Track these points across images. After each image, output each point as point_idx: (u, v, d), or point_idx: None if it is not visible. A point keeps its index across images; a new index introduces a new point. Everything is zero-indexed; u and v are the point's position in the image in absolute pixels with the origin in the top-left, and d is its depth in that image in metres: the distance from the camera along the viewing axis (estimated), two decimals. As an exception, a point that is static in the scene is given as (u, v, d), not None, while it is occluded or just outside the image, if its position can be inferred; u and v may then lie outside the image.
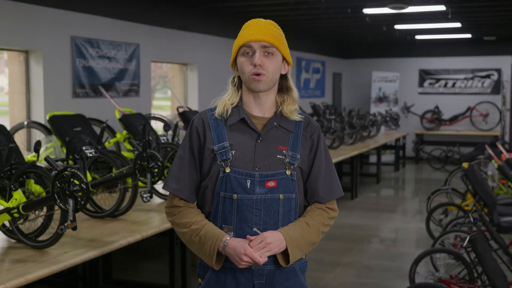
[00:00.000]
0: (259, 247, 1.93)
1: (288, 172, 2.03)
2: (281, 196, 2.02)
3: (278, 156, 2.03)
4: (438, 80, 14.44)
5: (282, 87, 2.13)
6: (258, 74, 2.01)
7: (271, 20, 2.11)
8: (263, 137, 2.04)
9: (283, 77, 2.13)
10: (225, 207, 2.01)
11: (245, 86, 2.08)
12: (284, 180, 2.03)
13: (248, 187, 1.99)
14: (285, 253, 2.00)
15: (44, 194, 3.28)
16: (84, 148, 3.64)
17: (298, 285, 2.09)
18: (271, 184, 2.00)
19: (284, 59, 2.09)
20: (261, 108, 2.09)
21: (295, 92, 2.12)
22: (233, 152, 2.02)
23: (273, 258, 2.01)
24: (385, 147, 12.38)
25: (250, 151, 2.03)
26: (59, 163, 3.66)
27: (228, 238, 1.96)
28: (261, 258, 1.92)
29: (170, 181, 2.10)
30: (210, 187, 2.04)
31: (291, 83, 2.13)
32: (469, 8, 8.85)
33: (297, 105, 2.13)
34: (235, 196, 1.99)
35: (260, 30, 2.03)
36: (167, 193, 4.99)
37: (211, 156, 2.03)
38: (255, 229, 1.99)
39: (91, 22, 6.78)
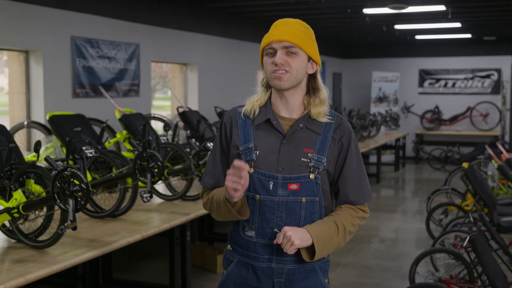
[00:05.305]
0: (283, 243, 1.92)
1: (312, 176, 2.00)
2: (303, 199, 2.00)
3: (302, 159, 2.00)
4: (438, 80, 14.43)
5: (310, 87, 2.08)
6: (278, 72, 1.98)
7: (299, 20, 2.07)
8: (288, 139, 2.02)
9: (311, 77, 2.08)
10: (248, 206, 2.01)
11: None
12: (308, 184, 2.00)
13: (271, 188, 1.99)
14: (309, 250, 1.99)
15: (44, 194, 3.28)
16: (84, 148, 3.64)
17: (318, 284, 2.08)
18: (294, 187, 1.99)
19: (311, 58, 2.05)
20: (288, 108, 2.06)
21: (323, 93, 2.06)
22: (257, 152, 2.01)
23: (293, 257, 2.02)
24: (385, 147, 12.37)
25: (274, 153, 2.01)
26: (59, 163, 3.66)
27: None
28: (289, 251, 1.92)
29: (206, 176, 2.16)
30: None
31: (320, 83, 2.07)
32: (469, 8, 8.85)
33: (327, 106, 2.07)
34: (257, 196, 2.00)
35: (283, 30, 1.99)
36: (167, 193, 4.99)
37: (236, 153, 2.04)
38: (275, 229, 2.00)
39: (91, 22, 6.78)
